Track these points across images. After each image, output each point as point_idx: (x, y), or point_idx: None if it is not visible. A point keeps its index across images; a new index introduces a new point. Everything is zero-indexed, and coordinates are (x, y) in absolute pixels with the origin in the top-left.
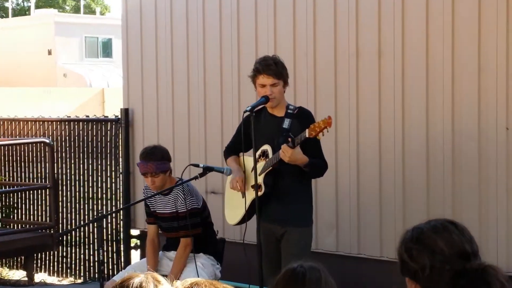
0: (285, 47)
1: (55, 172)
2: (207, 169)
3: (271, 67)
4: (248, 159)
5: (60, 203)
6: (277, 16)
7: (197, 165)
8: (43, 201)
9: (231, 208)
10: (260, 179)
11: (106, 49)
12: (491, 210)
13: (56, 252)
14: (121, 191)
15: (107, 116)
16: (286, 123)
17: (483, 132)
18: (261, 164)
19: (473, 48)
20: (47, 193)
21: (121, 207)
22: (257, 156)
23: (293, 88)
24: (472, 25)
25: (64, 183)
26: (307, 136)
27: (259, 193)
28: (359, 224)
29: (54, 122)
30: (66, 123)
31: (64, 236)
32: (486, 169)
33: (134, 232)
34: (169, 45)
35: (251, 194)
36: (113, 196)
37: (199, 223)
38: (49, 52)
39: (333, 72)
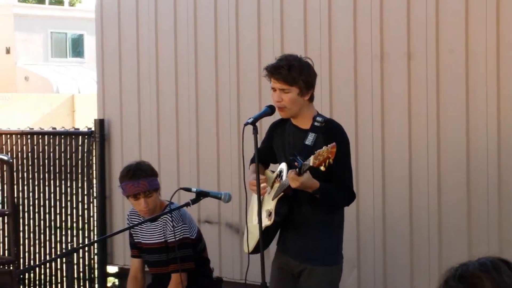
0: (294, 48)
1: (15, 195)
2: (201, 194)
3: (280, 71)
4: (268, 175)
5: (21, 233)
6: (284, 11)
7: (189, 190)
8: (0, 231)
9: (247, 234)
10: (273, 205)
11: (77, 48)
12: None
13: None
14: (95, 219)
15: (78, 129)
16: (309, 139)
17: None
18: (276, 187)
19: None
20: (5, 221)
21: (96, 239)
22: (275, 175)
23: None
24: None
25: (26, 209)
26: (311, 164)
27: (269, 222)
28: (385, 262)
29: (13, 135)
30: (28, 136)
31: (26, 274)
32: None
33: (112, 269)
34: (153, 43)
35: (266, 220)
36: (86, 225)
37: (191, 256)
38: (7, 51)
39: (352, 78)
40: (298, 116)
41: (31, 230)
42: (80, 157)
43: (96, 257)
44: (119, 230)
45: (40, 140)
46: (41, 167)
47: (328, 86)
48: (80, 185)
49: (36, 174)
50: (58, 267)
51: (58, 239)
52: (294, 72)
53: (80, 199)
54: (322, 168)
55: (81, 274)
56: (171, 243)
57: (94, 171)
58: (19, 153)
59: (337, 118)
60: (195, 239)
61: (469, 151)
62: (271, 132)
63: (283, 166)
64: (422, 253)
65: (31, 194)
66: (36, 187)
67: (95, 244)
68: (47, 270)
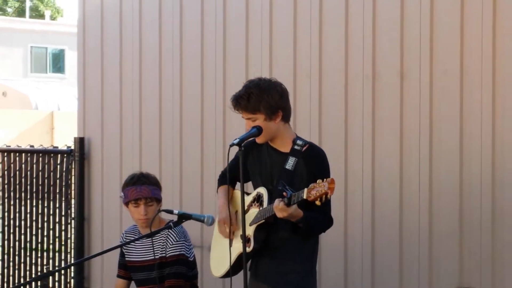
0: (283, 67)
1: None
2: (183, 217)
3: (240, 102)
4: (239, 195)
5: None
6: (273, 29)
7: (170, 212)
8: None
9: (216, 256)
10: (251, 231)
11: (57, 63)
12: None
13: None
14: (72, 241)
15: (57, 147)
16: (290, 163)
17: None
18: (253, 212)
19: None
20: None
21: (73, 261)
22: (251, 198)
23: (293, 117)
24: None
25: (0, 230)
26: (304, 197)
27: (248, 249)
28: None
29: None
30: (5, 154)
31: None
32: None
33: None
34: (137, 58)
35: (239, 244)
36: (63, 247)
37: (185, 275)
38: None
39: (343, 99)
40: (275, 138)
41: (6, 251)
42: (58, 177)
43: (72, 280)
44: (112, 247)
45: (18, 158)
46: (17, 186)
47: (317, 106)
48: (57, 206)
49: (12, 193)
50: None
51: (33, 261)
52: (253, 100)
53: (57, 220)
54: (317, 202)
55: None
56: (169, 257)
57: (73, 191)
58: None
59: (326, 139)
60: (192, 262)
61: (462, 175)
62: (246, 152)
63: (262, 191)
64: (412, 277)
65: (6, 214)
66: (12, 207)
67: (72, 267)
68: None
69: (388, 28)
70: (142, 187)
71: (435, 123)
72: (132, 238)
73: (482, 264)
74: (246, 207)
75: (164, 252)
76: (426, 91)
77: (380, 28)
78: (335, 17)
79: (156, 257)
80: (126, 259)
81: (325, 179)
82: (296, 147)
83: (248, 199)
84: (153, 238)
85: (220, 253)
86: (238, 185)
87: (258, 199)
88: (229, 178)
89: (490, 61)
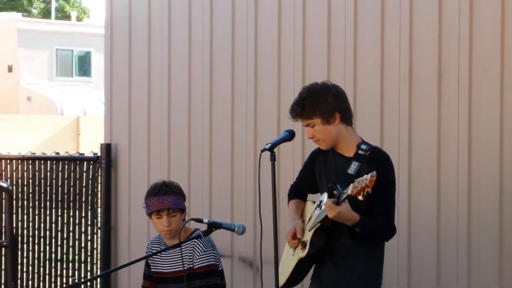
0: (316, 68)
1: (14, 225)
2: (213, 226)
3: (295, 110)
4: (309, 206)
5: (19, 266)
6: (306, 29)
7: (200, 220)
8: None
9: (281, 266)
10: (309, 236)
11: (83, 66)
12: None
13: None
14: (99, 251)
15: (83, 154)
16: (352, 168)
17: None
18: (314, 217)
19: None
20: (3, 253)
21: (99, 272)
22: (315, 206)
23: None
24: None
25: (25, 240)
26: (349, 193)
27: (302, 254)
28: (410, 283)
29: (13, 160)
30: (30, 161)
31: None
32: None
33: None
34: (165, 61)
35: (298, 251)
36: (89, 258)
37: (221, 285)
38: (10, 69)
39: (378, 101)
40: (339, 143)
41: (30, 262)
42: (84, 184)
43: None
44: (138, 258)
45: (42, 166)
46: (42, 195)
47: (352, 108)
48: (83, 215)
49: (37, 202)
50: None
51: (58, 272)
52: (307, 106)
53: (83, 230)
54: (360, 197)
55: None
56: (197, 269)
57: (99, 200)
58: (20, 180)
59: None
60: (221, 271)
61: (502, 179)
62: (313, 159)
63: (324, 195)
64: (450, 270)
65: (31, 224)
66: (37, 217)
67: (98, 278)
68: None
69: (426, 26)
70: (164, 198)
71: (474, 124)
72: (158, 249)
73: None
74: (310, 215)
75: (191, 263)
76: (465, 91)
77: (417, 27)
78: (371, 16)
79: (185, 268)
80: (152, 270)
81: (369, 174)
82: (360, 151)
83: (313, 207)
84: (177, 250)
85: (285, 260)
86: (311, 195)
87: (319, 204)
88: (299, 189)
89: None
